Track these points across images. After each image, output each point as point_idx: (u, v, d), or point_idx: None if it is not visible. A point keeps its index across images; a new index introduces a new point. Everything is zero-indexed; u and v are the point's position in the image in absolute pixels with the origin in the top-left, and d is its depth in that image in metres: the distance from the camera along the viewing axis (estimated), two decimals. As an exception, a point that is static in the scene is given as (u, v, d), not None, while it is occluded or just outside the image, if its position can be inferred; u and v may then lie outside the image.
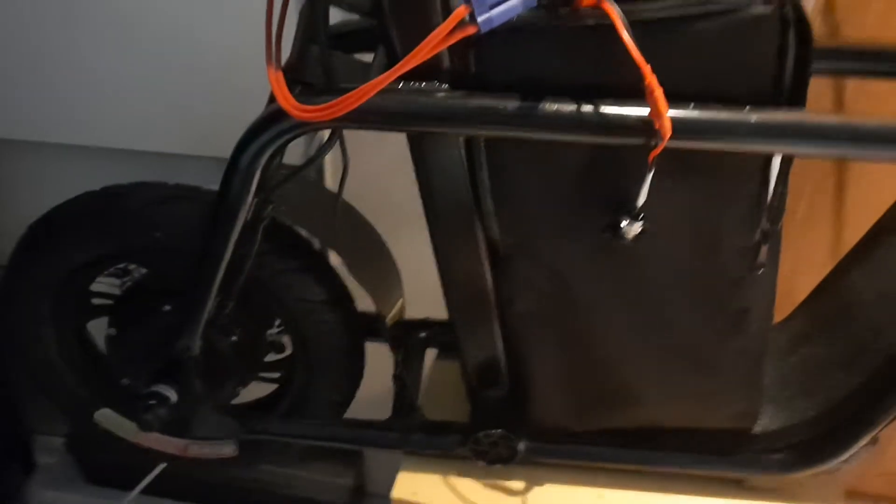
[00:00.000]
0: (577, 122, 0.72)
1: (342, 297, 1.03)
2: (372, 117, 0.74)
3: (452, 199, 0.83)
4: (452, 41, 0.61)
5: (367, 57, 0.85)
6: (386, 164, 1.19)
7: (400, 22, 0.72)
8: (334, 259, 1.05)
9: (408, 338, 1.11)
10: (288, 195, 0.93)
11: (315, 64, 0.80)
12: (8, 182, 1.39)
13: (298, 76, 0.81)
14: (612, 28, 0.68)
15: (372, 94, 0.66)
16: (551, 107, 0.72)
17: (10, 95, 1.24)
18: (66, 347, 1.12)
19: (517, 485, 1.02)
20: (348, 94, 0.67)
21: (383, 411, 1.06)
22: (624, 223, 0.76)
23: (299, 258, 1.00)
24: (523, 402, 0.98)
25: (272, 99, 0.76)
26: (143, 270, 1.07)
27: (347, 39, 0.89)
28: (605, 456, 0.99)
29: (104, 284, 1.10)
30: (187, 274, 0.94)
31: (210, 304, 0.93)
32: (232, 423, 1.05)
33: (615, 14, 0.68)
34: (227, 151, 0.82)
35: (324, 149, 0.87)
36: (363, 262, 1.02)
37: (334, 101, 0.69)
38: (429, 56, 0.62)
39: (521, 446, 0.98)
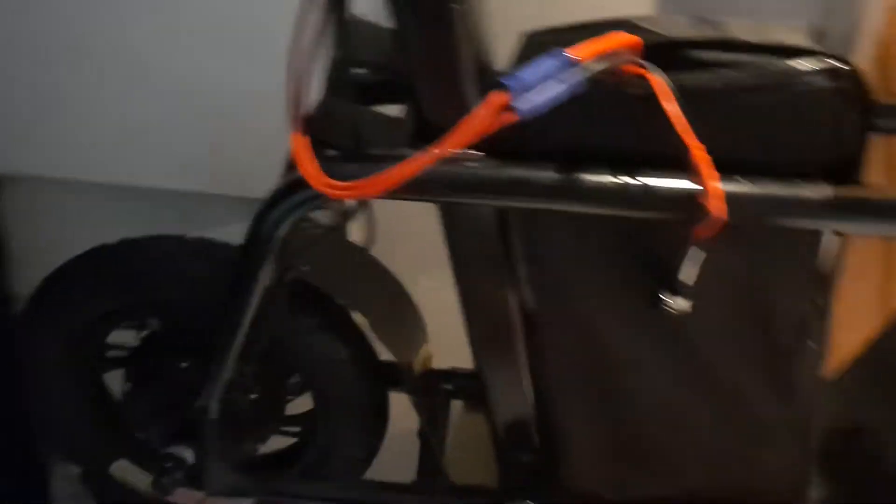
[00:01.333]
0: (620, 196, 0.68)
1: (365, 354, 0.99)
2: (402, 189, 0.70)
3: (484, 263, 0.79)
4: (492, 128, 0.56)
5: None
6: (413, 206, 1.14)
7: (430, 90, 0.68)
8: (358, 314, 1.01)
9: (433, 389, 1.07)
10: (310, 252, 0.89)
11: (342, 123, 0.75)
12: (31, 217, 1.36)
13: (323, 135, 0.77)
14: (656, 99, 0.63)
15: (406, 177, 0.61)
16: (592, 179, 0.68)
17: (38, 133, 1.22)
18: (80, 398, 1.09)
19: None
20: (380, 176, 0.62)
21: (408, 458, 1.02)
22: (667, 297, 0.72)
23: (321, 316, 0.96)
24: (555, 466, 0.93)
25: (291, 167, 0.72)
26: (160, 323, 1.03)
27: (372, 91, 0.85)
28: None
29: (120, 336, 1.06)
30: (204, 332, 0.90)
31: (229, 367, 0.89)
32: (249, 483, 1.01)
33: (660, 85, 0.63)
34: (252, 191, 0.78)
35: (349, 214, 0.83)
36: (386, 318, 0.98)
37: (365, 181, 0.64)
38: (465, 143, 0.58)
39: (554, 515, 0.94)
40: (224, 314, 0.86)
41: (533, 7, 1.19)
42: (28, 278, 1.06)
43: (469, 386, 1.09)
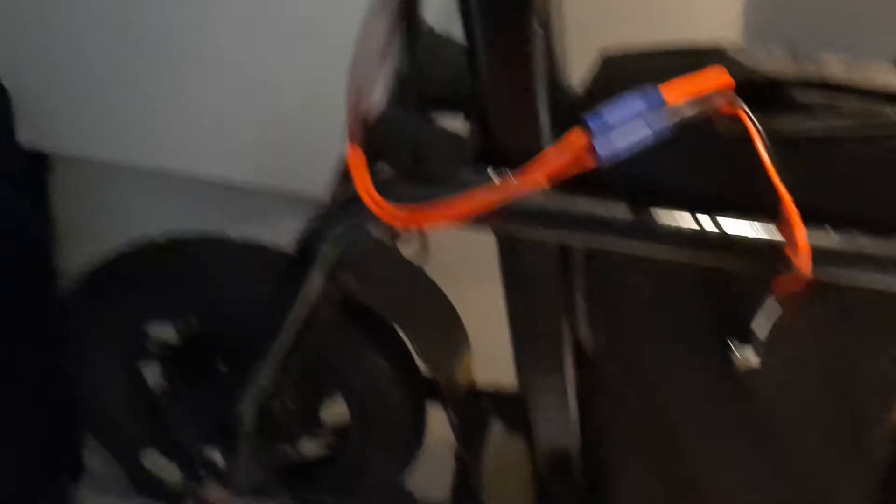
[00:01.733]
0: (698, 241, 0.63)
1: (408, 370, 0.95)
2: (462, 217, 0.65)
3: (541, 294, 0.74)
4: (568, 172, 0.52)
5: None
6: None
7: (501, 111, 0.64)
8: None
9: (474, 408, 1.03)
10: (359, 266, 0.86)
11: (402, 138, 0.71)
12: (81, 199, 1.35)
13: (382, 149, 0.73)
14: (747, 141, 0.58)
15: (470, 210, 0.57)
16: (669, 220, 0.63)
17: (93, 115, 1.20)
18: (116, 385, 1.07)
19: None
20: (441, 205, 0.58)
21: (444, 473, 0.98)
22: (738, 352, 0.67)
23: (366, 331, 0.92)
24: (601, 499, 0.89)
25: (345, 177, 0.68)
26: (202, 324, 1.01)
27: (437, 106, 0.80)
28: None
29: (161, 331, 1.04)
30: (245, 339, 0.87)
31: (267, 377, 0.86)
32: (280, 489, 0.99)
33: (754, 129, 0.58)
34: (307, 190, 0.75)
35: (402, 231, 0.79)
36: (430, 337, 0.94)
37: (423, 208, 0.60)
38: (538, 182, 0.53)
39: (592, 553, 0.90)
40: (267, 324, 0.83)
41: (607, 19, 1.13)
42: (74, 257, 1.05)
43: (511, 407, 1.05)
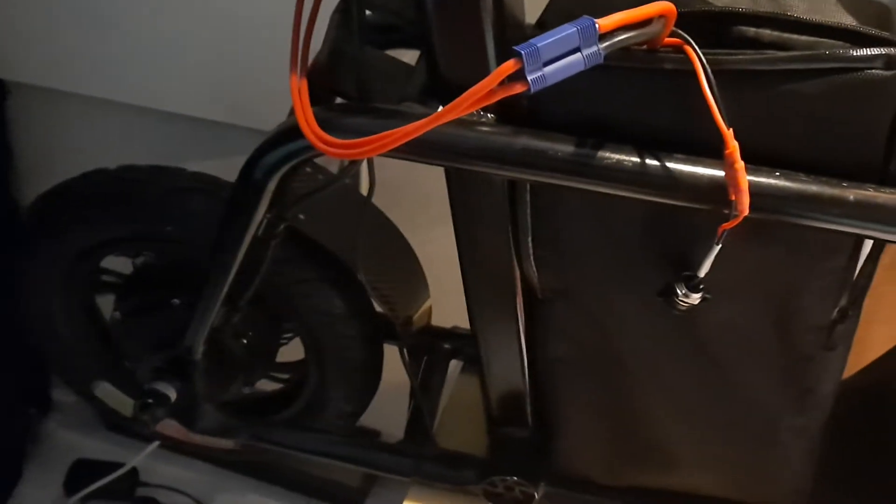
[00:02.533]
0: (641, 178, 0.61)
1: (363, 310, 0.95)
2: (405, 150, 0.64)
3: (488, 231, 0.73)
4: (497, 97, 0.50)
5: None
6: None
7: (448, 44, 0.62)
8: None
9: (431, 348, 1.03)
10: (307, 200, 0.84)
11: (348, 70, 0.69)
12: (39, 128, 1.32)
13: (327, 82, 0.71)
14: (692, 76, 0.56)
15: (407, 139, 0.55)
16: (612, 156, 0.61)
17: (51, 43, 1.16)
18: (71, 318, 1.07)
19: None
20: (382, 136, 0.56)
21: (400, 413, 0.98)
22: (681, 291, 0.66)
23: (318, 269, 0.91)
24: (547, 446, 0.89)
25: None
26: (155, 256, 0.99)
27: (383, 34, 0.78)
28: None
29: (116, 262, 1.03)
30: (197, 272, 0.86)
31: (216, 312, 0.86)
32: (234, 426, 0.99)
33: (698, 62, 0.56)
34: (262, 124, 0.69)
35: (347, 170, 0.77)
36: (385, 273, 0.93)
37: (363, 141, 0.58)
38: (472, 109, 0.51)
39: (539, 493, 0.90)
40: (212, 257, 0.82)
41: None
42: (31, 188, 1.03)
43: (469, 348, 1.05)
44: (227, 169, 0.92)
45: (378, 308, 0.97)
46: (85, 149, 1.09)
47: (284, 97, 0.72)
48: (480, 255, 0.75)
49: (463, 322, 1.01)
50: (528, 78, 0.48)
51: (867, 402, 0.94)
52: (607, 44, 0.50)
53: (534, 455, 0.90)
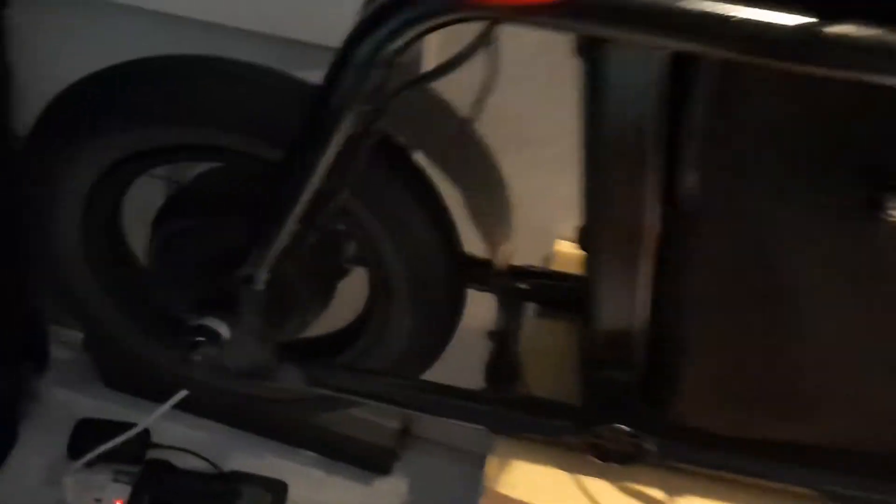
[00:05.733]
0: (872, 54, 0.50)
1: (450, 240, 0.83)
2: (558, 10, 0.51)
3: (632, 127, 0.61)
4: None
5: None
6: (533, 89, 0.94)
7: None
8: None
9: (509, 288, 0.91)
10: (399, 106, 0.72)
11: None
12: (41, 41, 1.16)
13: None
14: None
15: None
16: (837, 29, 0.49)
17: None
18: (94, 250, 0.92)
19: (638, 488, 0.83)
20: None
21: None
22: (889, 205, 0.55)
23: (407, 183, 0.79)
24: (660, 391, 0.79)
25: None
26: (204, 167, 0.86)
27: None
28: (766, 471, 0.79)
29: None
30: (262, 185, 0.73)
31: (288, 232, 0.73)
32: (293, 371, 0.86)
33: None
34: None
35: (472, 48, 0.65)
36: (479, 200, 0.81)
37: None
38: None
39: (652, 446, 0.79)
40: (290, 163, 0.69)
41: None
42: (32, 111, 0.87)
43: (549, 288, 0.93)
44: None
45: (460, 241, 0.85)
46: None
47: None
48: (615, 150, 0.63)
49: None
50: None
51: None
52: None
53: (641, 401, 0.79)
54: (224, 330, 0.82)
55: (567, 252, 1.07)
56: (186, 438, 1.40)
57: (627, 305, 0.74)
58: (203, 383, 1.01)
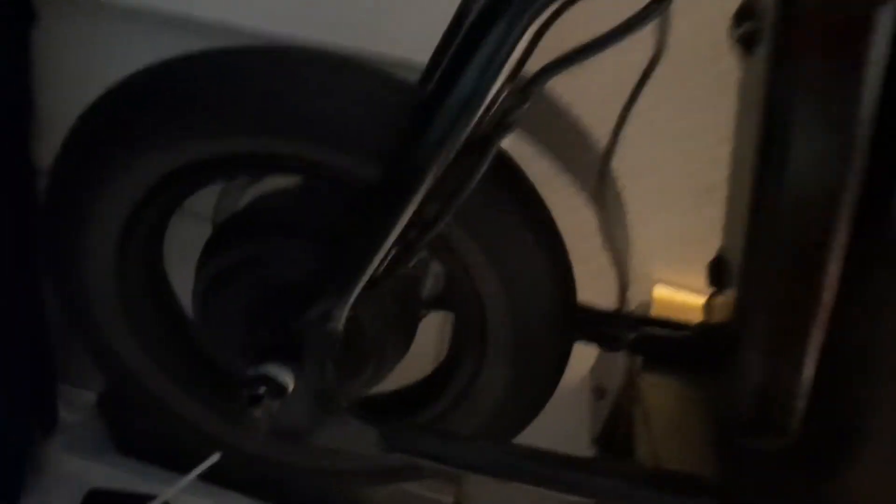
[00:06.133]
0: None
1: (566, 277, 0.69)
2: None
3: (819, 156, 0.49)
4: None
5: None
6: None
7: None
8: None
9: (620, 338, 0.77)
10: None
11: None
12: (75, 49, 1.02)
13: None
14: None
15: None
16: None
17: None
18: (130, 294, 0.78)
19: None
20: None
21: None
22: None
23: (523, 206, 0.66)
24: (824, 463, 0.64)
25: None
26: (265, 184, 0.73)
27: None
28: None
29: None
30: (348, 205, 0.60)
31: (383, 255, 0.60)
32: (366, 433, 0.71)
33: None
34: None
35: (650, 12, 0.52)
36: (614, 235, 0.68)
37: None
38: None
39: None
40: (394, 170, 0.56)
41: None
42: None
43: (660, 341, 0.79)
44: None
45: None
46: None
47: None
48: (792, 192, 0.51)
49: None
50: None
51: None
52: None
53: (800, 474, 0.65)
54: (288, 379, 0.67)
55: (668, 298, 0.94)
56: (210, 513, 1.23)
57: (794, 359, 0.60)
58: (238, 451, 0.86)
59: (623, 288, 0.68)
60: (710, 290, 0.82)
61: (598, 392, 0.73)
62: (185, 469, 1.16)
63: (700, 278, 0.95)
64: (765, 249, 0.58)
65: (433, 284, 0.78)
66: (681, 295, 0.94)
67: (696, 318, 0.83)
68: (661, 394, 0.78)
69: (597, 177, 0.65)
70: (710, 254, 0.92)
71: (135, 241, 0.73)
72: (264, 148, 0.63)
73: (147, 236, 0.75)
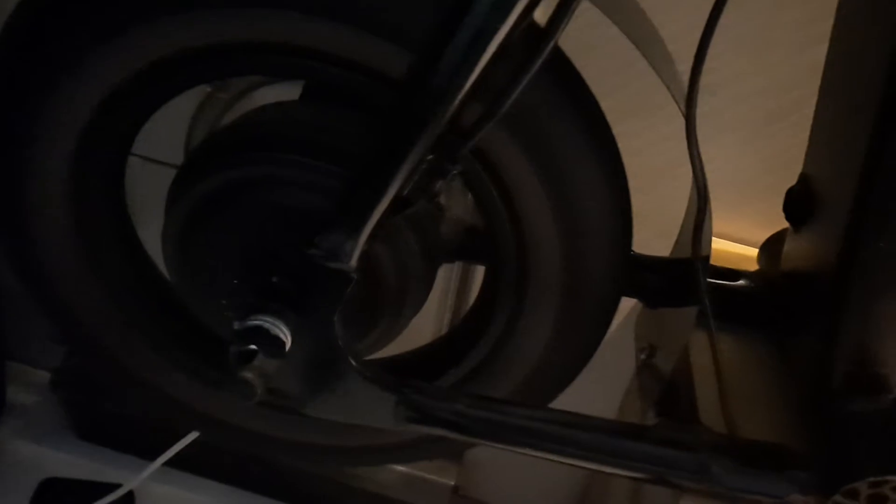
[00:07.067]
0: None
1: (624, 207, 0.57)
2: None
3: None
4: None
5: None
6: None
7: None
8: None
9: (679, 292, 0.65)
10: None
11: None
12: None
13: None
14: None
15: None
16: None
17: None
18: (88, 229, 0.64)
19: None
20: None
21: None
22: None
23: (580, 117, 0.53)
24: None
25: None
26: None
27: None
28: None
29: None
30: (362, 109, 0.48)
31: (407, 174, 0.47)
32: (384, 400, 0.58)
33: None
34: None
35: None
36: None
37: None
38: None
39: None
40: (419, 69, 0.44)
41: None
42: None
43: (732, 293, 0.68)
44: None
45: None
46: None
47: None
48: None
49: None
50: None
51: None
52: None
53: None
54: (283, 332, 0.54)
55: (722, 250, 0.84)
56: (177, 500, 1.21)
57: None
58: (224, 427, 0.74)
59: (703, 200, 0.56)
60: (774, 232, 0.71)
61: (647, 350, 0.62)
62: (151, 455, 1.05)
63: (749, 230, 0.85)
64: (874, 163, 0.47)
65: (455, 230, 0.66)
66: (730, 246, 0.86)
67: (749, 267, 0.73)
68: (724, 352, 0.67)
69: (687, 86, 0.53)
70: (764, 200, 0.82)
71: (94, 165, 0.59)
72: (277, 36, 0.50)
73: (109, 160, 0.61)
